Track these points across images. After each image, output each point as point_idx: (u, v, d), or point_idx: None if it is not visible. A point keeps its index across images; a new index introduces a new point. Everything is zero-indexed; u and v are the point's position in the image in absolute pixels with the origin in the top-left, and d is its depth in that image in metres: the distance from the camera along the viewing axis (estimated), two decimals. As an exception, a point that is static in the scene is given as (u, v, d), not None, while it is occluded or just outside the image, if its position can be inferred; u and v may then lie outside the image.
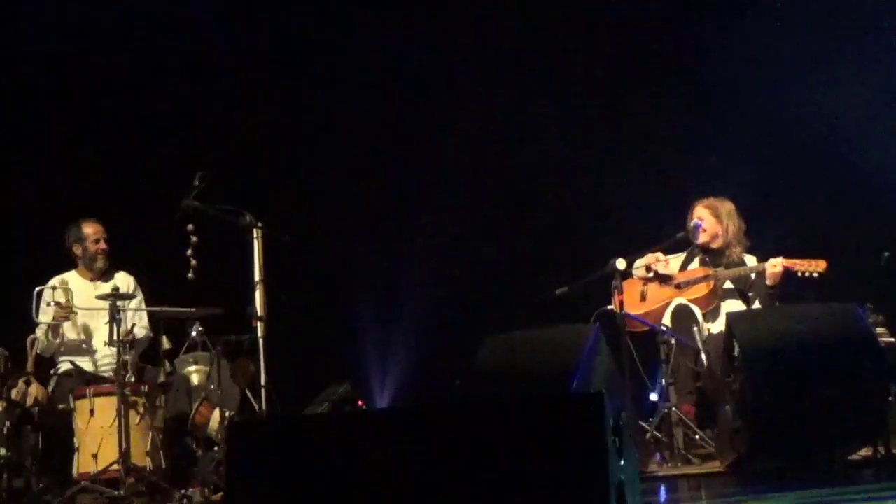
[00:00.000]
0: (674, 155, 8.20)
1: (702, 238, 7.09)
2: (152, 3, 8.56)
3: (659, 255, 7.07)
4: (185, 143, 8.38)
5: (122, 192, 8.35)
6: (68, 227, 7.25)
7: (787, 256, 6.78)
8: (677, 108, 8.22)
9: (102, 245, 7.18)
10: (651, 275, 7.08)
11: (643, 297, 7.06)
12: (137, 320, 7.03)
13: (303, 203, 8.50)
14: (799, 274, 6.73)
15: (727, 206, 7.12)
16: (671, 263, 7.14)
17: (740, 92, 8.11)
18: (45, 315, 6.92)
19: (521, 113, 8.56)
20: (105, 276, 7.18)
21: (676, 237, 7.04)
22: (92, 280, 7.16)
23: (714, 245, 7.10)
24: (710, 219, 7.09)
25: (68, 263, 7.25)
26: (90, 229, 7.20)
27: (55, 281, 7.01)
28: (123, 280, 7.20)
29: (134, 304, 7.05)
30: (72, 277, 7.13)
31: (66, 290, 6.90)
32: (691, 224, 7.09)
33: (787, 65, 8.09)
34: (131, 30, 8.57)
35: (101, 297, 6.67)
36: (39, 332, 6.93)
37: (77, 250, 7.20)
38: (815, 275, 6.70)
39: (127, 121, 8.61)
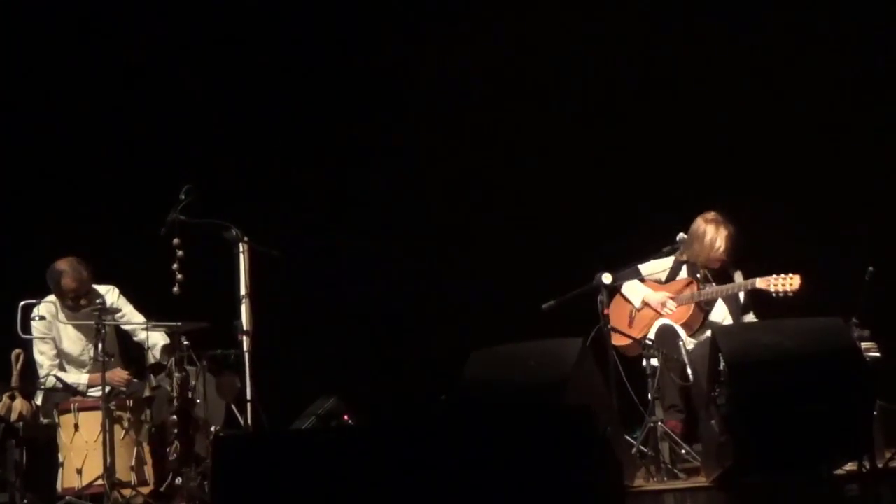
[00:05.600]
0: (661, 167, 8.20)
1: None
2: (137, 16, 8.56)
3: (670, 302, 6.87)
4: (172, 156, 8.37)
5: (107, 205, 8.33)
6: (49, 269, 6.81)
7: (762, 275, 6.67)
8: (669, 116, 8.24)
9: (77, 301, 6.77)
10: (642, 308, 6.96)
11: (631, 322, 7.01)
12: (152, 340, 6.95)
13: (289, 217, 8.49)
14: (773, 294, 6.61)
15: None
16: (659, 263, 6.98)
17: (721, 101, 8.12)
18: (37, 332, 6.83)
19: (508, 128, 8.57)
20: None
21: (668, 248, 6.97)
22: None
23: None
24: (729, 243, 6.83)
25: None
26: (69, 284, 6.77)
27: (48, 303, 6.87)
28: (109, 294, 7.01)
29: (124, 318, 6.97)
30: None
31: (52, 305, 6.87)
32: (721, 249, 6.80)
33: (766, 70, 8.12)
34: (116, 41, 8.56)
35: (86, 314, 6.64)
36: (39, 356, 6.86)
37: (53, 291, 6.85)
38: (790, 293, 6.58)
39: (112, 133, 8.59)
